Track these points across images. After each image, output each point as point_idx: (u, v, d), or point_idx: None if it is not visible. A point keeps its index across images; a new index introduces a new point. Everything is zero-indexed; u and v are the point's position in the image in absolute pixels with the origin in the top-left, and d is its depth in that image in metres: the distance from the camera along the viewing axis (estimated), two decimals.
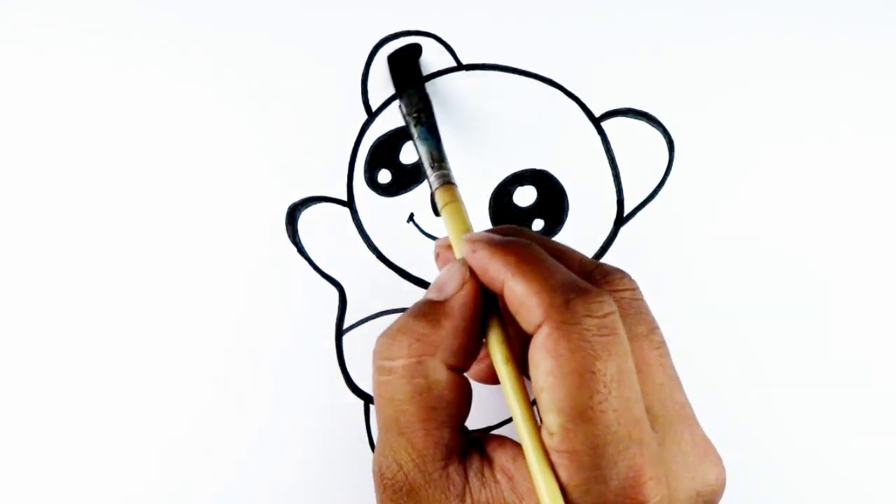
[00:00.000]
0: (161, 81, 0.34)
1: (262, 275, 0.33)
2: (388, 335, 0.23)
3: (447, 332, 0.23)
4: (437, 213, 0.33)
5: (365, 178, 0.33)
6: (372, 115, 0.34)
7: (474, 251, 0.24)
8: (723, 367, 0.33)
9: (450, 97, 0.34)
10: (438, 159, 0.30)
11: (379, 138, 0.33)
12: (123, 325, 0.32)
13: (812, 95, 0.34)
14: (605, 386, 0.20)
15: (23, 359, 0.32)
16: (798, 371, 0.33)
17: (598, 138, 0.33)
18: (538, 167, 0.33)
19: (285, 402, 0.32)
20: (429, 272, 0.33)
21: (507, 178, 0.33)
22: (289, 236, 0.33)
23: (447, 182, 0.29)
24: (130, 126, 0.33)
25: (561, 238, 0.33)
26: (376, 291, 0.33)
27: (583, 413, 0.20)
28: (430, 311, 0.23)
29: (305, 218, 0.33)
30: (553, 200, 0.33)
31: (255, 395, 0.32)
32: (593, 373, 0.20)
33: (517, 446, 0.23)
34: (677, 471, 0.22)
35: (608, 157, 0.33)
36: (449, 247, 0.27)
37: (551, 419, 0.21)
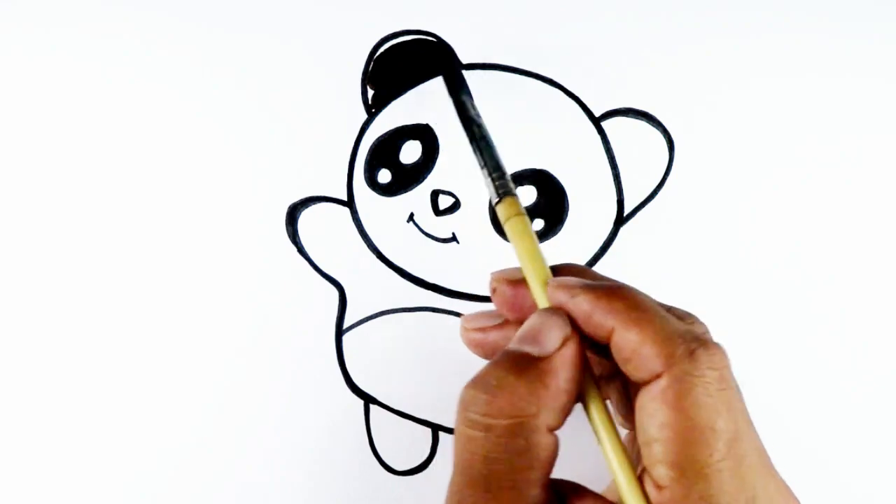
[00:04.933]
0: (161, 81, 0.34)
1: (262, 275, 0.33)
2: (483, 389, 0.21)
3: (552, 393, 0.21)
4: (436, 211, 0.33)
5: (365, 177, 0.33)
6: (372, 115, 0.34)
7: (573, 296, 0.22)
8: None
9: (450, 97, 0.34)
10: (499, 167, 0.28)
11: (379, 138, 0.33)
12: (123, 325, 0.32)
13: (812, 95, 0.34)
14: (724, 444, 0.20)
15: (23, 362, 0.32)
16: (798, 371, 0.33)
17: (598, 138, 0.33)
18: (538, 167, 0.33)
19: (285, 402, 0.32)
20: (429, 272, 0.33)
21: None
22: (289, 236, 0.33)
23: (510, 193, 0.27)
24: (130, 126, 0.34)
25: (561, 238, 0.33)
26: (376, 291, 0.33)
27: (700, 470, 0.20)
28: (531, 367, 0.22)
29: (305, 218, 0.33)
30: (553, 200, 0.33)
31: (255, 394, 0.32)
32: (714, 430, 0.20)
33: (600, 498, 0.22)
34: None
35: (608, 157, 0.33)
36: (510, 283, 0.25)
37: (662, 472, 0.20)
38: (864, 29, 0.34)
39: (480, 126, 0.30)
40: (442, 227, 0.33)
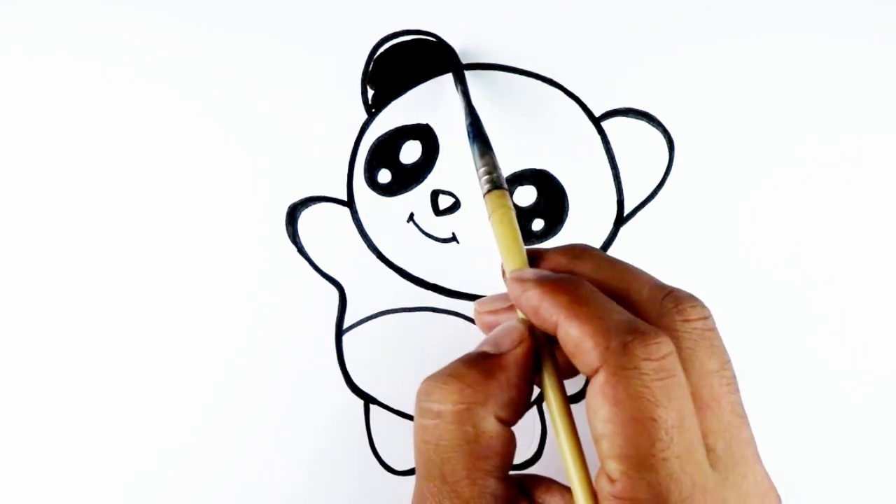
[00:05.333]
0: (161, 81, 0.34)
1: (262, 275, 0.33)
2: (436, 378, 0.23)
3: (500, 385, 0.22)
4: (436, 211, 0.33)
5: (365, 177, 0.33)
6: (372, 115, 0.34)
7: (524, 291, 0.23)
8: None
9: (450, 97, 0.33)
10: (482, 155, 0.29)
11: (379, 138, 0.33)
12: (123, 325, 0.32)
13: (812, 95, 0.34)
14: (666, 433, 0.20)
15: (23, 362, 0.32)
16: (798, 371, 0.33)
17: (598, 138, 0.33)
18: (538, 167, 0.33)
19: (285, 402, 0.32)
20: (429, 272, 0.33)
21: (508, 177, 0.33)
22: (289, 236, 0.33)
23: (496, 186, 0.27)
24: (130, 126, 0.33)
25: (561, 238, 0.33)
26: (376, 291, 0.33)
27: (645, 461, 0.20)
28: (483, 361, 0.23)
29: (305, 218, 0.33)
30: (553, 200, 0.33)
31: (255, 394, 0.32)
32: (654, 420, 0.20)
33: (565, 489, 0.23)
34: None
35: (608, 157, 0.33)
36: (492, 313, 0.26)
37: (612, 466, 0.20)
38: (864, 29, 0.34)
39: (477, 120, 0.30)
40: (442, 227, 0.33)
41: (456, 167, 0.33)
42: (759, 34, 0.34)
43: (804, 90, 0.34)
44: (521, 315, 0.24)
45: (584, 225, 0.33)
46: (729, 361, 0.23)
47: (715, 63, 0.34)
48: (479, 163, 0.28)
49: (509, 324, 0.24)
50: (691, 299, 0.23)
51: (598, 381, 0.21)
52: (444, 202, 0.33)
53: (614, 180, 0.33)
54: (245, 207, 0.33)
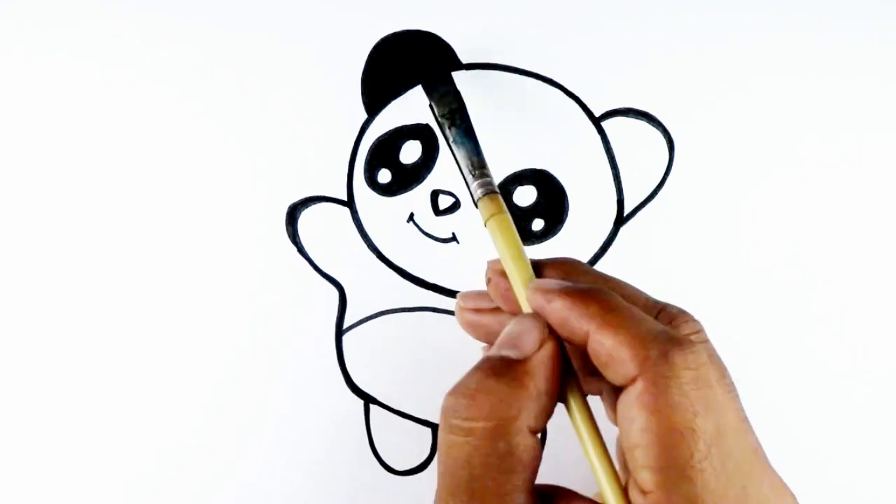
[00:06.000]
0: (161, 81, 0.34)
1: (263, 275, 0.33)
2: (464, 394, 0.22)
3: (530, 394, 0.21)
4: (436, 211, 0.33)
5: (365, 177, 0.33)
6: (372, 115, 0.33)
7: (549, 301, 0.23)
8: None
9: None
10: (479, 165, 0.28)
11: (379, 138, 0.33)
12: (123, 325, 0.32)
13: (812, 95, 0.34)
14: (704, 444, 0.20)
15: (24, 362, 0.32)
16: (798, 371, 0.33)
17: (598, 138, 0.33)
18: (538, 167, 0.33)
19: (285, 402, 0.32)
20: (429, 272, 0.33)
21: (508, 177, 0.33)
22: (289, 236, 0.33)
23: (492, 191, 0.27)
24: (130, 126, 0.34)
25: (561, 238, 0.33)
26: (376, 291, 0.33)
27: (682, 472, 0.19)
28: (509, 370, 0.22)
29: (305, 218, 0.33)
30: (553, 200, 0.33)
31: (255, 394, 0.32)
32: (693, 430, 0.20)
33: (589, 501, 0.22)
34: None
35: (608, 157, 0.33)
36: (505, 275, 0.25)
37: (646, 477, 0.20)
38: (864, 29, 0.34)
39: (458, 123, 0.30)
40: (442, 227, 0.33)
41: (456, 167, 0.33)
42: (759, 34, 0.34)
43: (804, 90, 0.34)
44: (526, 309, 0.24)
45: (584, 225, 0.33)
46: (726, 369, 0.23)
47: (715, 63, 0.34)
48: (474, 166, 0.28)
49: (524, 321, 0.23)
50: (683, 314, 0.23)
51: (636, 391, 0.20)
52: (444, 202, 0.33)
53: (614, 180, 0.33)
54: (245, 207, 0.33)
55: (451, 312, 0.32)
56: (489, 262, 0.26)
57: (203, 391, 0.32)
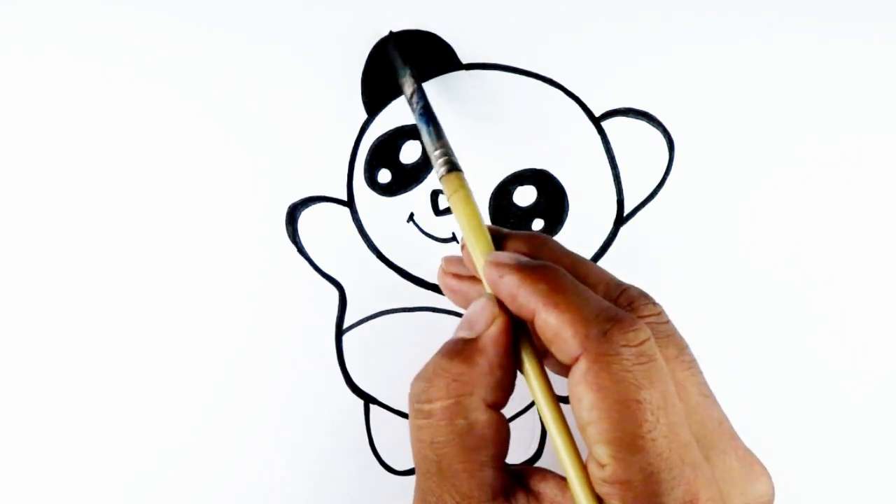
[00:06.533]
0: (161, 81, 0.34)
1: (263, 275, 0.33)
2: (423, 378, 0.23)
3: (483, 370, 0.23)
4: (436, 211, 0.33)
5: (365, 177, 0.33)
6: (372, 115, 0.34)
7: (501, 276, 0.23)
8: (722, 367, 0.33)
9: (450, 97, 0.34)
10: (439, 144, 0.28)
11: (379, 138, 0.33)
12: (123, 325, 0.32)
13: (812, 95, 0.34)
14: (651, 414, 0.20)
15: (24, 362, 0.32)
16: (798, 371, 0.33)
17: (598, 138, 0.33)
18: (538, 167, 0.33)
19: (285, 402, 0.32)
20: (429, 272, 0.33)
21: (507, 177, 0.33)
22: (289, 236, 0.33)
23: (452, 168, 0.27)
24: (130, 126, 0.33)
25: (561, 238, 0.33)
26: (376, 291, 0.33)
27: (633, 443, 0.20)
28: (462, 349, 0.23)
29: (305, 218, 0.33)
30: (553, 200, 0.33)
31: (255, 394, 0.32)
32: (639, 402, 0.20)
33: (561, 478, 0.23)
34: (728, 489, 0.22)
35: (608, 157, 0.33)
36: (455, 276, 0.26)
37: (601, 451, 0.21)
38: (864, 29, 0.34)
39: (415, 104, 0.30)
40: (442, 227, 0.33)
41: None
42: (759, 34, 0.34)
43: (804, 90, 0.34)
44: (488, 289, 0.24)
45: (584, 225, 0.33)
46: (687, 347, 0.24)
47: (715, 63, 0.34)
48: (436, 145, 0.28)
49: (479, 303, 0.24)
50: (644, 297, 0.24)
51: (580, 369, 0.21)
52: (444, 202, 0.33)
53: (614, 180, 0.33)
54: (245, 207, 0.33)
55: (451, 312, 0.32)
56: (443, 260, 0.27)
57: (203, 391, 0.32)
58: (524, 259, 0.24)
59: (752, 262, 0.33)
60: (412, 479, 0.32)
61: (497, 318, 0.23)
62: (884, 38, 0.34)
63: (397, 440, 0.32)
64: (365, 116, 0.33)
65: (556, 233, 0.33)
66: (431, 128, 0.29)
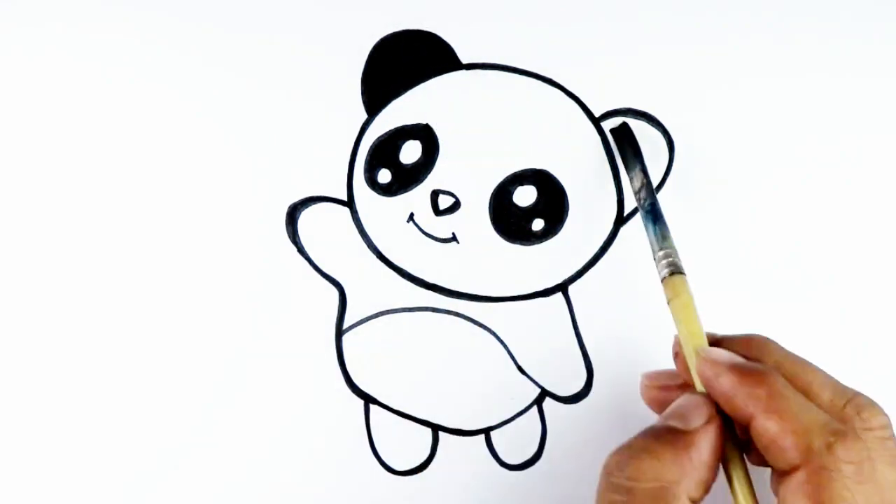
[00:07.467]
0: (161, 81, 0.34)
1: (262, 275, 0.33)
2: (628, 453, 0.23)
3: (693, 464, 0.22)
4: (436, 211, 0.33)
5: (365, 177, 0.33)
6: (372, 115, 0.34)
7: (717, 376, 0.23)
8: None
9: (450, 97, 0.34)
10: (662, 245, 0.29)
11: (379, 138, 0.33)
12: (123, 325, 0.32)
13: (812, 95, 0.34)
14: None
15: (23, 361, 0.32)
16: None
17: (598, 138, 0.33)
18: (538, 167, 0.33)
19: (285, 402, 0.32)
20: (429, 272, 0.33)
21: (507, 177, 0.33)
22: (289, 236, 0.33)
23: (675, 271, 0.28)
24: (130, 126, 0.34)
25: (561, 238, 0.33)
26: (376, 291, 0.33)
27: None
28: (675, 439, 0.23)
29: (305, 218, 0.33)
30: (553, 200, 0.33)
31: (255, 395, 0.32)
32: None
33: None
34: None
35: (608, 157, 0.33)
36: (662, 388, 0.27)
37: None
38: (864, 29, 0.34)
39: (643, 200, 0.30)
40: (442, 227, 0.33)
41: (456, 167, 0.33)
42: (760, 34, 0.34)
43: (804, 90, 0.34)
44: (700, 388, 0.24)
45: (584, 225, 0.33)
46: None
47: (715, 63, 0.34)
48: (661, 245, 0.29)
49: (693, 398, 0.24)
50: (872, 407, 0.24)
51: (798, 479, 0.21)
52: (444, 202, 0.33)
53: (614, 180, 0.33)
54: (245, 207, 0.33)
55: (451, 312, 0.32)
56: (675, 337, 0.27)
57: (203, 391, 0.32)
58: (742, 360, 0.24)
59: (752, 263, 0.33)
60: (412, 479, 0.32)
61: (713, 418, 0.23)
62: (884, 38, 0.34)
63: (397, 440, 0.32)
64: (365, 116, 0.33)
65: (556, 233, 0.33)
66: (658, 228, 0.29)
